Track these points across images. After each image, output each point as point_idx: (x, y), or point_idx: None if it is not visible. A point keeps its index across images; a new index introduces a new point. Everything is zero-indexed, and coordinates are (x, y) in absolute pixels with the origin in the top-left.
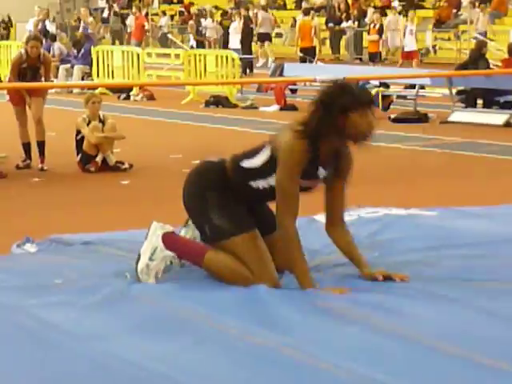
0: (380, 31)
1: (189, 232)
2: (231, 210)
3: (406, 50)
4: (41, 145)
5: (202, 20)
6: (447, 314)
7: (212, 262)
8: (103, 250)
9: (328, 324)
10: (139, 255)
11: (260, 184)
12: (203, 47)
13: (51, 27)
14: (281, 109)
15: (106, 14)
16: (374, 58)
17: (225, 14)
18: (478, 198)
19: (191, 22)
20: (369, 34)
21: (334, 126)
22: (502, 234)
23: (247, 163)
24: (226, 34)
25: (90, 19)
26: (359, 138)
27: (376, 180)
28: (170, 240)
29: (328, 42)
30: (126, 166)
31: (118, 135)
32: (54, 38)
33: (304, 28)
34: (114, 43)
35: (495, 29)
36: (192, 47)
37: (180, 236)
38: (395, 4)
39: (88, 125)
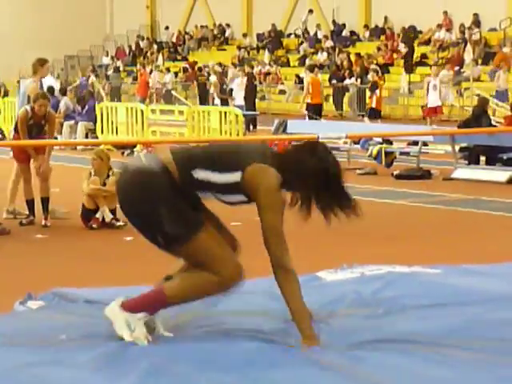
0: (373, 88)
1: None
2: (178, 212)
3: (430, 105)
4: (45, 201)
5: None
6: (446, 372)
7: (173, 290)
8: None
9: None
10: (121, 338)
11: (208, 196)
12: (227, 105)
13: (55, 84)
14: None
15: (110, 71)
16: (368, 114)
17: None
18: (481, 256)
19: (215, 80)
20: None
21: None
22: (504, 292)
23: (202, 174)
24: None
25: (92, 77)
26: None
27: (379, 237)
28: (129, 305)
29: (331, 98)
30: (121, 223)
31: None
32: (64, 92)
33: (316, 85)
34: (112, 100)
35: (497, 85)
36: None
37: (133, 296)
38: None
39: None
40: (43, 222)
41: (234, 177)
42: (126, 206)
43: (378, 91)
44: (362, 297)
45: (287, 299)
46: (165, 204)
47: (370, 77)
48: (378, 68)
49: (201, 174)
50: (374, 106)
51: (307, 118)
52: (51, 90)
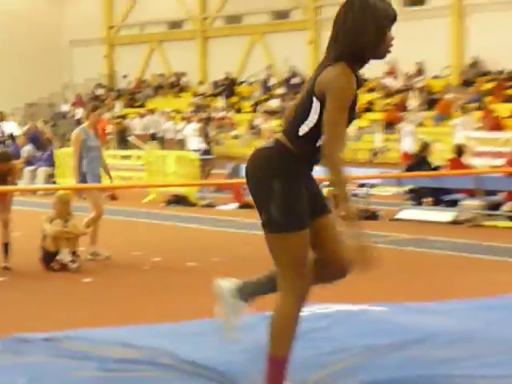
0: None
1: None
2: (290, 202)
3: (405, 151)
4: (6, 246)
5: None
6: None
7: (274, 344)
8: (64, 347)
9: None
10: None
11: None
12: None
13: (17, 130)
14: (240, 207)
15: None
16: None
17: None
18: (427, 293)
19: (200, 126)
20: None
21: (373, 47)
22: (447, 329)
23: (304, 128)
24: None
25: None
26: (387, 53)
27: None
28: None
29: None
30: (75, 265)
31: (78, 231)
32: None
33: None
34: (61, 146)
35: (439, 131)
36: (199, 150)
37: None
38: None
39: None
40: (3, 265)
41: (316, 104)
42: (249, 181)
43: None
44: (311, 335)
45: (328, 174)
46: (280, 182)
47: None
48: None
49: (304, 129)
50: None
51: None
52: (11, 136)
